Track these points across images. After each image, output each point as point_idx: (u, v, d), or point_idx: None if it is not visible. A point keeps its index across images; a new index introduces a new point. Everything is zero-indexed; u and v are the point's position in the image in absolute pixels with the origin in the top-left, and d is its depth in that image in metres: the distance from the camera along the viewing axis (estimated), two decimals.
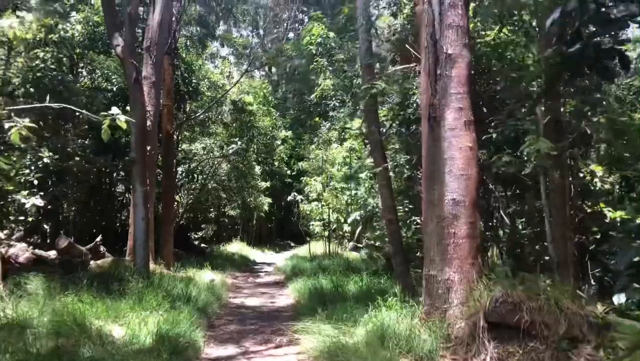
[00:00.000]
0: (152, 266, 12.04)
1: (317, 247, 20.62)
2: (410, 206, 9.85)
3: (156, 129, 13.50)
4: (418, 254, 9.10)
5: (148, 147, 12.77)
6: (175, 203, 19.46)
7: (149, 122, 12.84)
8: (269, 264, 20.26)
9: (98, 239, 12.89)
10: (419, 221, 9.19)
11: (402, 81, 7.95)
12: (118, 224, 16.18)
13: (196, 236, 23.10)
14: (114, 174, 14.90)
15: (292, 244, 32.95)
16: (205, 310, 8.25)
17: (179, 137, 18.12)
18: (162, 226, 13.61)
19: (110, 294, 8.06)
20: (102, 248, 13.05)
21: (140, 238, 9.12)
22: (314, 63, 10.07)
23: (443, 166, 5.99)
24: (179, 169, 18.12)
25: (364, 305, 7.46)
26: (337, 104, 11.86)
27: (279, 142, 22.96)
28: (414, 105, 7.87)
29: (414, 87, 7.82)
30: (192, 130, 17.16)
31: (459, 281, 5.81)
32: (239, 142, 14.32)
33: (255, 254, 23.23)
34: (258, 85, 22.18)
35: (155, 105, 13.02)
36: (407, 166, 9.20)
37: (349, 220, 13.98)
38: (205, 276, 12.27)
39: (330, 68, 9.82)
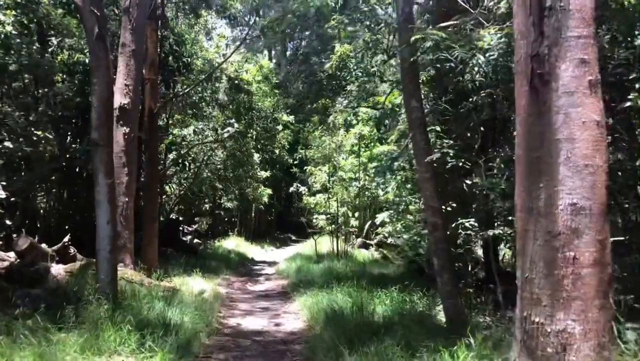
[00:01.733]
0: (129, 273, 9.90)
1: (322, 243, 18.49)
2: (453, 205, 7.67)
3: (137, 108, 11.29)
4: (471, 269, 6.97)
5: (126, 129, 10.60)
6: (165, 195, 17.27)
7: (127, 99, 10.66)
8: (269, 263, 18.11)
9: (66, 239, 10.72)
10: (467, 224, 7.02)
11: (470, 31, 5.72)
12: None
13: (190, 229, 20.94)
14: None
15: (293, 237, 30.83)
16: (188, 344, 6.08)
17: (169, 121, 15.93)
18: (145, 224, 11.44)
19: (62, 324, 5.92)
20: (71, 249, 10.89)
21: (105, 248, 6.94)
22: (332, 21, 7.91)
23: (554, 151, 3.80)
24: (170, 156, 15.91)
25: (406, 347, 5.34)
26: (359, 73, 9.61)
27: (279, 127, 20.70)
28: (477, 68, 5.66)
29: (478, 46, 5.60)
30: (184, 112, 14.92)
31: (581, 336, 3.66)
32: (236, 125, 12.11)
33: (254, 251, 21.09)
34: (259, 64, 19.78)
35: (135, 78, 10.80)
36: (450, 153, 7.02)
37: (377, 221, 11.77)
38: (195, 285, 10.14)
39: (352, 28, 7.66)
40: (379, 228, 20.52)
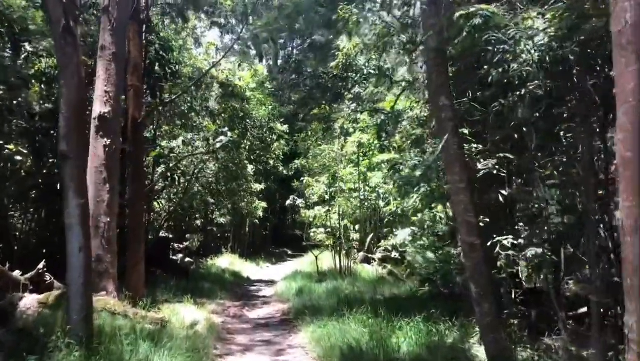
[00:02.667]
0: (112, 303, 8.73)
1: (322, 259, 17.37)
2: (485, 220, 6.59)
3: (119, 118, 10.18)
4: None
5: (107, 141, 9.49)
6: (153, 211, 16.10)
7: (107, 107, 9.56)
8: (266, 283, 16.91)
9: (40, 265, 9.54)
10: (506, 243, 5.95)
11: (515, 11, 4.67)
12: None
13: (180, 247, 19.72)
14: None
15: (289, 252, 29.64)
16: None
17: (156, 132, 14.79)
18: (130, 245, 10.27)
19: None
20: (47, 277, 9.70)
21: (76, 280, 5.78)
22: (339, 12, 6.86)
23: None
24: (158, 169, 14.74)
25: None
26: (371, 70, 8.50)
27: (274, 136, 19.56)
28: (525, 55, 4.62)
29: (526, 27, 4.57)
30: (172, 122, 13.77)
31: None
32: (229, 133, 11.01)
33: (249, 268, 19.87)
34: (253, 69, 18.60)
35: (116, 84, 9.68)
36: (481, 159, 5.97)
37: (397, 241, 10.64)
38: (186, 314, 8.98)
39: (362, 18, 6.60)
40: (382, 242, 19.47)
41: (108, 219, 9.42)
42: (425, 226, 9.61)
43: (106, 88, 9.60)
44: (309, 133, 16.34)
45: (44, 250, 11.72)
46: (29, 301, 9.02)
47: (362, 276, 15.05)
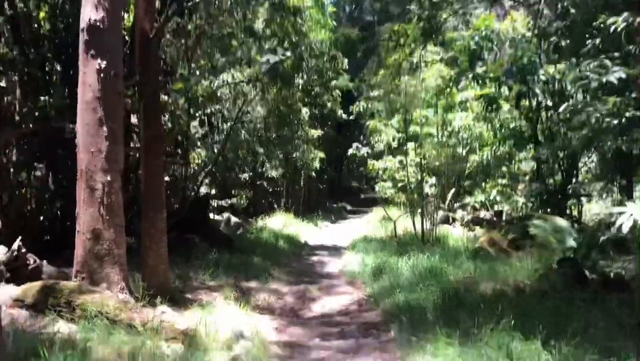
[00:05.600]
0: (112, 304, 5.88)
1: (391, 216, 14.14)
2: None
3: (119, 29, 7.06)
4: None
5: (101, 63, 6.39)
6: (190, 165, 13.17)
7: (101, 12, 6.44)
8: (330, 250, 13.79)
9: (15, 245, 6.74)
10: None
11: None
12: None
13: (225, 205, 16.95)
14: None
15: (348, 207, 26.59)
16: None
17: (190, 67, 11.56)
18: (146, 215, 7.30)
19: None
20: (30, 259, 6.93)
21: None
22: None
23: None
24: (192, 111, 11.61)
25: None
26: None
27: (335, 68, 15.86)
28: None
29: None
30: (199, 49, 10.41)
31: None
32: (280, 51, 7.70)
33: (306, 230, 16.83)
34: None
35: None
36: None
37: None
38: (225, 318, 5.98)
39: None
40: (468, 198, 15.98)
41: (108, 178, 6.45)
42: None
43: None
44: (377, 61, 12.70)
45: (41, 218, 9.00)
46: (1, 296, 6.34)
47: (452, 245, 11.73)
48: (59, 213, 9.25)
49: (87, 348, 4.90)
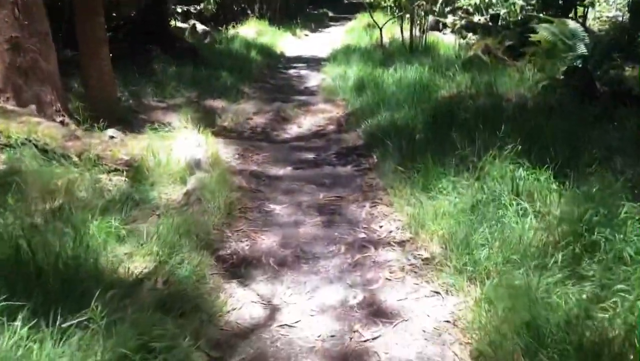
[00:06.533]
0: (42, 128, 4.89)
1: (377, 22, 12.63)
2: None
3: None
4: None
5: None
6: None
7: None
8: (308, 62, 12.47)
9: None
10: None
11: None
12: None
13: (192, 11, 15.07)
14: None
15: (330, 14, 24.46)
16: None
17: None
18: (78, 18, 5.94)
19: None
20: None
21: None
22: None
23: None
24: None
25: None
26: None
27: None
28: None
29: None
30: None
31: None
32: None
33: (284, 40, 15.21)
34: None
35: None
36: None
37: None
38: (180, 141, 5.08)
39: None
40: (461, 1, 14.31)
41: None
42: None
43: None
44: None
45: None
46: None
47: (443, 54, 10.57)
48: None
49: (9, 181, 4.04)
